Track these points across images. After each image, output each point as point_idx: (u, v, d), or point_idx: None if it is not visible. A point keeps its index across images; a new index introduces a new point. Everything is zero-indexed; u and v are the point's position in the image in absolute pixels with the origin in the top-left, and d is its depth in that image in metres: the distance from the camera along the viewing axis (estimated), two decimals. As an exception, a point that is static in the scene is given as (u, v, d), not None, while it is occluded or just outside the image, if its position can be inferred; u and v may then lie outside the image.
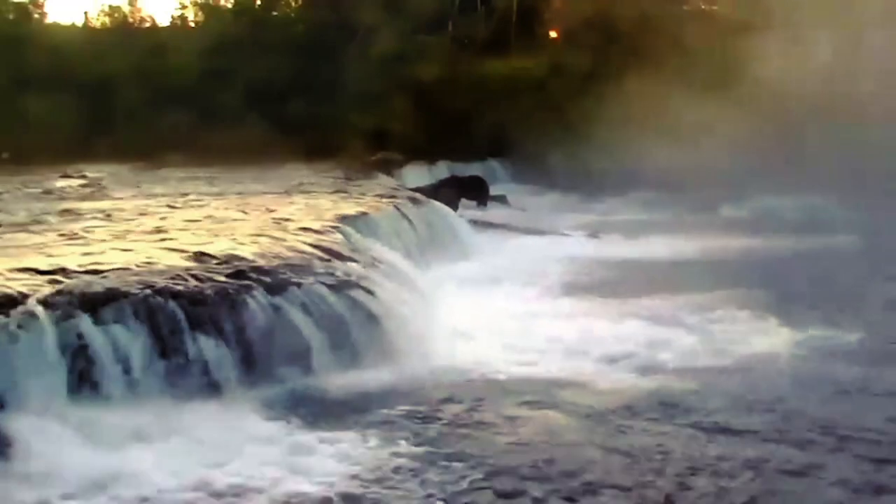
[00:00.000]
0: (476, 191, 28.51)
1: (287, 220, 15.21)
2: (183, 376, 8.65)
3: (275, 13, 49.78)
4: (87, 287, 8.94)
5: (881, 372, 9.57)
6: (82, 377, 8.11)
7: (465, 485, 6.88)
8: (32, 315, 8.17)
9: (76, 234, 13.59)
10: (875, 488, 6.72)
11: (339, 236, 13.64)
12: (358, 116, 37.68)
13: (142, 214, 16.53)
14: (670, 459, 7.26)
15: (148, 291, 9.02)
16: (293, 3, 50.09)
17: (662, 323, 11.65)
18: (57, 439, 7.24)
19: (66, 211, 17.35)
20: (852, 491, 6.70)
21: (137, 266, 10.17)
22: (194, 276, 9.79)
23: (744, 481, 6.85)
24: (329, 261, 11.64)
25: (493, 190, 30.44)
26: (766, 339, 10.94)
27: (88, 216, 16.25)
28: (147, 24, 52.42)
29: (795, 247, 19.50)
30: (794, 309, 12.29)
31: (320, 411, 8.42)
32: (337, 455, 7.39)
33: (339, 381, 9.27)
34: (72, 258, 10.47)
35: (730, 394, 8.91)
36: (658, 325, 11.50)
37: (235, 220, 15.51)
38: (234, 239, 12.57)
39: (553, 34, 42.45)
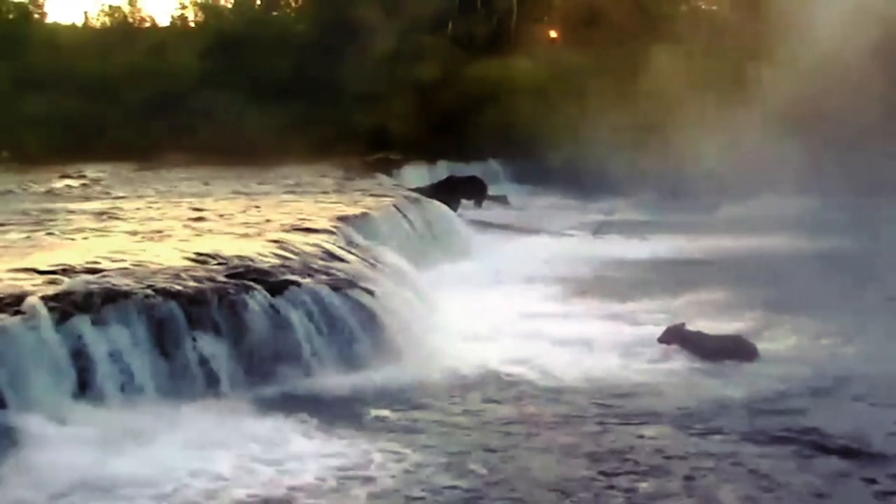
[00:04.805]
0: (474, 190, 28.54)
1: (287, 219, 15.23)
2: (182, 376, 8.67)
3: (275, 13, 49.78)
4: (87, 287, 8.94)
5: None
6: (82, 377, 8.11)
7: (464, 485, 6.89)
8: (33, 315, 8.17)
9: (76, 234, 13.61)
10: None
11: (338, 236, 13.67)
12: (358, 116, 37.69)
13: (142, 215, 16.56)
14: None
15: (148, 291, 9.03)
16: (293, 3, 50.08)
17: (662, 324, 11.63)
18: (56, 438, 7.25)
19: (67, 211, 17.36)
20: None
21: (137, 266, 10.19)
22: (194, 276, 9.80)
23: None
24: (329, 261, 11.65)
25: (494, 190, 30.48)
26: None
27: (88, 216, 16.26)
28: (147, 24, 52.36)
29: (794, 247, 19.49)
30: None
31: (319, 412, 8.39)
32: (335, 455, 7.38)
33: (338, 381, 9.28)
34: (72, 258, 10.47)
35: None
36: (658, 327, 11.47)
37: (235, 219, 15.54)
38: (234, 239, 12.60)
39: (553, 34, 42.46)
